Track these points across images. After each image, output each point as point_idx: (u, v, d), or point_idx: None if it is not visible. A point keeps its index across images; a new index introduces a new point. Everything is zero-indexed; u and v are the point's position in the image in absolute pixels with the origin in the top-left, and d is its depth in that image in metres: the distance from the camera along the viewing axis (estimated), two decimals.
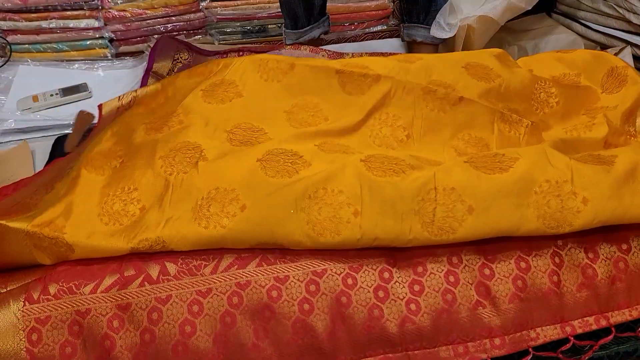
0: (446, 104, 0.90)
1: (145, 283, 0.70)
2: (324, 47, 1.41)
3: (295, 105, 0.91)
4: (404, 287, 0.73)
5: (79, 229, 0.72)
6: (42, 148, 1.20)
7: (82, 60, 1.52)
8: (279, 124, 0.88)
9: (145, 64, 1.40)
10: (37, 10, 1.47)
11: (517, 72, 0.98)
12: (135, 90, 1.03)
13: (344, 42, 1.65)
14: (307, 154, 0.78)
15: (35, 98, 1.32)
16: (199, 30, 1.62)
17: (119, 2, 1.51)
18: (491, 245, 0.75)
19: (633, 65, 1.31)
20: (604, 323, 0.75)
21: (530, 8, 1.34)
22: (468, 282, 0.73)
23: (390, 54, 1.31)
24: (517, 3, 1.29)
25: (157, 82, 1.01)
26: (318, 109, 0.91)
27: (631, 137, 0.99)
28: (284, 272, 0.72)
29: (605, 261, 0.75)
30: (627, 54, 1.32)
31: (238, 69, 0.95)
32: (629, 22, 1.34)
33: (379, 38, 1.67)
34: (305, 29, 1.36)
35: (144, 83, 1.32)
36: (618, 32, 1.38)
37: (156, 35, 1.51)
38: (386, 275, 0.73)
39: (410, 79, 0.91)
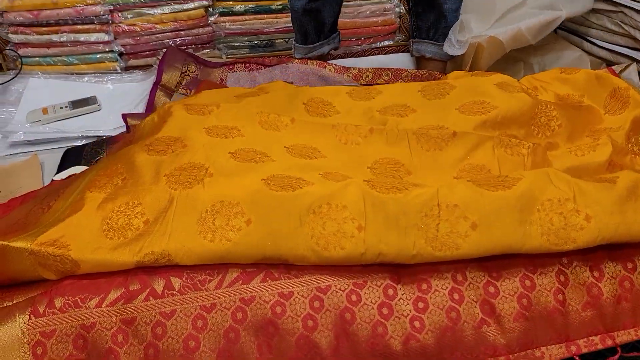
0: (441, 142, 0.91)
1: (150, 297, 0.71)
2: (330, 62, 1.43)
3: (296, 144, 0.93)
4: (408, 304, 0.73)
5: (84, 246, 0.73)
6: (51, 160, 1.22)
7: (91, 73, 1.54)
8: (281, 153, 0.89)
9: (153, 77, 1.41)
10: (48, 24, 1.50)
11: (516, 98, 0.98)
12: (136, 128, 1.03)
13: (350, 57, 1.67)
14: (310, 178, 0.79)
15: (45, 110, 1.33)
16: (207, 45, 1.64)
17: (129, 16, 1.54)
18: (496, 263, 0.75)
19: (638, 81, 1.31)
20: (609, 342, 0.74)
21: (534, 43, 1.35)
22: (472, 299, 0.73)
23: (397, 70, 1.32)
24: (525, 34, 1.31)
25: (155, 114, 1.01)
26: (317, 150, 0.92)
27: (636, 156, 0.99)
28: (288, 287, 0.73)
29: (611, 280, 0.75)
30: (633, 70, 1.32)
31: (237, 117, 0.97)
32: (634, 39, 1.34)
33: (386, 53, 1.68)
34: (315, 44, 1.37)
35: (152, 96, 1.34)
36: (624, 48, 1.39)
37: (165, 49, 1.52)
38: (390, 292, 0.73)
39: (403, 127, 0.93)
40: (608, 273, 0.75)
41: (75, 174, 1.05)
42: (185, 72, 1.42)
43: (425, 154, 0.91)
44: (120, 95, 1.45)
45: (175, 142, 0.88)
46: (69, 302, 0.70)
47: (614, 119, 1.06)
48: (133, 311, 0.70)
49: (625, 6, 1.35)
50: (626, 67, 1.32)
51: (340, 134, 0.95)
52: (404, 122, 0.95)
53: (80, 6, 1.48)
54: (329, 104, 1.04)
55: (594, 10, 1.44)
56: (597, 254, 0.76)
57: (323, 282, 0.73)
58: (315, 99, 1.04)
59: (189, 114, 0.96)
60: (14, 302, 0.72)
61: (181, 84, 1.39)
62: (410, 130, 0.93)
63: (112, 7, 1.51)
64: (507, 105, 0.96)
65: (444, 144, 0.91)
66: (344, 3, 1.61)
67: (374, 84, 1.32)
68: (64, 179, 1.05)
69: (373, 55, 1.68)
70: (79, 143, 1.27)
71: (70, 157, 1.19)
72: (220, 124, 0.94)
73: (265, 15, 1.62)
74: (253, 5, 1.60)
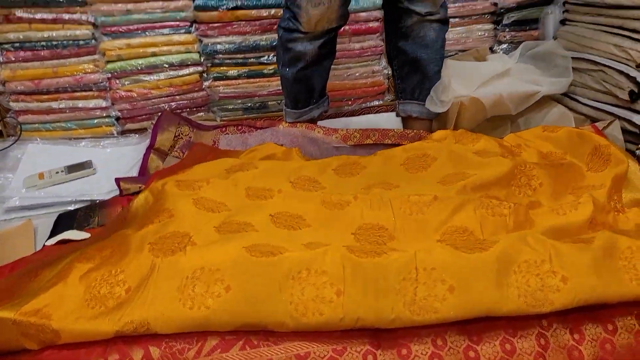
0: (423, 206, 0.92)
1: None
2: (321, 122, 1.47)
3: (281, 212, 0.95)
4: None
5: (66, 315, 0.73)
6: (45, 224, 1.24)
7: (89, 137, 1.58)
8: (265, 223, 0.91)
9: (148, 141, 1.45)
10: (48, 92, 1.56)
11: (494, 164, 1.01)
12: (130, 207, 1.05)
13: (341, 117, 1.71)
14: (292, 247, 0.80)
15: (41, 175, 1.36)
16: (202, 108, 1.70)
17: (126, 83, 1.60)
18: (475, 326, 0.75)
19: (622, 138, 1.34)
20: None
21: (514, 113, 1.40)
22: None
23: (384, 130, 1.35)
24: (507, 101, 1.36)
25: (148, 192, 1.04)
26: (302, 218, 0.94)
27: (618, 213, 1.00)
28: (267, 355, 0.72)
29: (592, 342, 0.74)
30: (616, 127, 1.35)
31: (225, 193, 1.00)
32: (615, 96, 1.38)
33: (376, 112, 1.73)
34: (305, 109, 1.41)
35: (145, 159, 1.37)
36: (606, 105, 1.42)
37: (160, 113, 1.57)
38: (370, 358, 0.73)
39: (387, 196, 0.96)
40: (589, 335, 0.75)
41: (66, 239, 1.06)
42: (179, 135, 1.45)
43: (408, 217, 0.92)
44: (115, 159, 1.49)
45: (163, 212, 0.90)
46: None
47: (596, 176, 1.07)
48: None
49: (606, 66, 1.40)
50: (609, 123, 1.35)
51: (325, 198, 0.97)
52: (388, 193, 0.98)
53: (79, 74, 1.54)
54: (315, 181, 1.07)
55: (576, 70, 1.49)
56: (576, 315, 0.76)
57: (302, 348, 0.73)
58: (302, 177, 1.07)
59: (180, 190, 0.99)
60: None
61: (174, 147, 1.43)
62: (392, 196, 0.95)
63: (110, 75, 1.57)
64: (486, 172, 0.99)
65: (426, 208, 0.92)
66: (333, 66, 1.67)
67: (361, 144, 1.34)
68: (54, 245, 1.06)
69: (363, 115, 1.73)
70: (73, 207, 1.29)
71: (63, 222, 1.21)
72: (209, 197, 0.97)
73: (257, 79, 1.68)
74: (246, 70, 1.66)
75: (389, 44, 1.37)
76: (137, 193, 1.22)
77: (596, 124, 1.35)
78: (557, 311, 0.74)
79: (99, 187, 1.36)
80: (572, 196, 1.03)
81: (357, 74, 1.70)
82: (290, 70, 1.31)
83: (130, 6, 1.53)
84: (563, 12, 1.62)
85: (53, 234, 1.18)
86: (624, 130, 1.34)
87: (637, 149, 1.28)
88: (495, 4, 1.69)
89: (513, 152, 1.14)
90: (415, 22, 1.27)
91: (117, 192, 1.30)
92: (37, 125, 1.57)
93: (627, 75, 1.33)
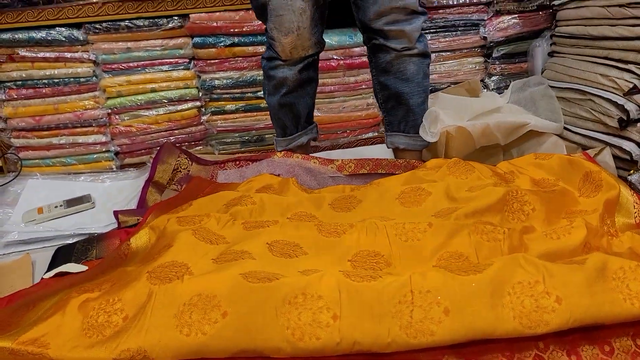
0: (418, 233, 0.94)
1: None
2: (317, 154, 1.49)
3: (278, 241, 0.96)
4: None
5: (63, 344, 0.73)
6: (43, 258, 1.24)
7: (88, 172, 1.60)
8: (262, 252, 0.92)
9: (147, 174, 1.47)
10: (48, 128, 1.58)
11: (485, 193, 1.03)
12: (129, 243, 1.07)
13: (337, 149, 1.74)
14: (288, 274, 0.81)
15: (40, 210, 1.38)
16: (200, 142, 1.72)
17: (125, 118, 1.63)
18: (472, 349, 0.75)
19: (614, 165, 1.36)
20: None
21: (503, 143, 1.42)
22: None
23: (378, 160, 1.37)
24: (494, 131, 1.39)
25: (151, 231, 1.05)
26: (298, 246, 0.95)
27: (612, 237, 1.01)
28: None
29: None
30: (607, 154, 1.36)
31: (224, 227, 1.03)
32: (605, 124, 1.40)
33: (371, 144, 1.76)
34: (293, 135, 1.44)
35: (143, 192, 1.39)
36: (596, 133, 1.45)
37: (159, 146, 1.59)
38: None
39: (382, 224, 0.98)
40: (586, 357, 0.75)
41: (64, 272, 1.07)
42: (178, 168, 1.47)
43: (404, 244, 0.93)
44: (114, 193, 1.50)
45: (163, 248, 0.92)
46: None
47: (588, 201, 1.09)
48: None
49: (594, 95, 1.44)
50: (600, 151, 1.37)
51: (322, 227, 0.99)
52: (383, 222, 0.99)
53: (80, 111, 1.58)
54: (312, 216, 1.08)
55: (565, 99, 1.53)
56: (573, 336, 0.76)
57: None
58: (299, 213, 1.09)
59: (181, 225, 1.01)
60: None
61: (173, 180, 1.44)
62: (388, 225, 0.96)
63: (109, 111, 1.60)
64: (479, 202, 1.01)
65: (421, 235, 0.94)
66: (329, 99, 1.71)
67: (356, 174, 1.37)
68: (52, 278, 1.07)
69: (358, 146, 1.75)
70: (71, 241, 1.30)
71: (61, 255, 1.21)
72: (209, 228, 0.99)
73: (255, 113, 1.72)
74: (243, 105, 1.69)
75: (373, 78, 1.41)
76: (135, 225, 1.24)
77: (587, 151, 1.37)
78: (554, 333, 0.74)
79: (97, 220, 1.37)
80: (566, 221, 1.04)
81: (353, 107, 1.73)
82: (275, 97, 1.36)
83: (130, 44, 1.57)
84: (550, 44, 1.67)
85: (51, 267, 1.19)
86: (615, 157, 1.36)
87: (629, 175, 1.30)
88: (485, 38, 1.74)
89: (506, 179, 1.16)
90: (393, 58, 1.29)
91: (116, 225, 1.31)
92: (37, 160, 1.59)
93: (615, 104, 1.36)
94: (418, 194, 1.09)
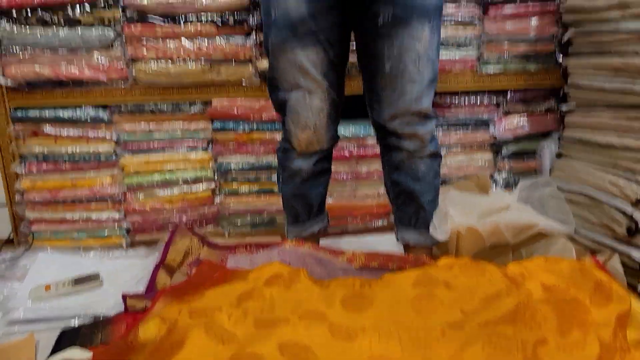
0: (431, 341, 0.94)
1: None
2: (325, 244, 1.50)
3: (289, 342, 0.96)
4: None
5: None
6: (47, 339, 1.22)
7: (98, 248, 1.61)
8: (274, 355, 0.92)
9: (157, 254, 1.47)
10: (64, 203, 1.60)
11: (499, 303, 1.04)
12: (137, 333, 1.06)
13: (347, 235, 1.75)
14: None
15: (47, 287, 1.37)
16: (211, 222, 1.74)
17: (140, 196, 1.65)
18: None
19: (622, 272, 1.36)
20: None
21: (512, 242, 1.44)
22: None
23: (388, 255, 1.38)
24: (503, 230, 1.41)
25: (161, 322, 1.06)
26: (309, 349, 0.95)
27: (626, 353, 1.00)
28: None
29: None
30: (617, 261, 1.37)
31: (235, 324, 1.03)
32: (613, 230, 1.42)
33: (381, 232, 1.77)
34: (305, 224, 1.47)
35: (153, 277, 1.38)
36: (605, 238, 1.46)
37: (172, 226, 1.61)
38: None
39: (392, 330, 0.98)
40: None
41: (68, 359, 1.05)
42: (189, 251, 1.48)
43: (416, 352, 0.93)
44: (123, 271, 1.50)
45: (174, 346, 0.91)
46: None
47: (599, 312, 1.09)
48: None
49: (602, 202, 1.46)
50: (609, 257, 1.38)
51: (334, 328, 0.98)
52: (397, 326, 0.99)
53: (96, 187, 1.60)
54: (323, 315, 1.08)
55: (574, 202, 1.54)
56: None
57: None
58: (311, 312, 1.09)
59: (192, 319, 1.01)
60: None
61: (183, 262, 1.45)
62: (401, 329, 0.96)
63: (126, 188, 1.63)
64: (492, 312, 1.02)
65: (435, 343, 0.93)
66: (340, 187, 1.74)
67: (367, 267, 1.37)
68: None
69: (368, 234, 1.77)
70: (77, 321, 1.29)
71: (66, 338, 1.20)
72: (220, 323, 1.00)
73: (268, 196, 1.74)
74: (257, 188, 1.72)
75: (384, 174, 1.45)
76: (143, 311, 1.23)
77: (596, 255, 1.38)
78: None
79: (105, 301, 1.36)
80: (578, 332, 1.03)
81: (364, 195, 1.76)
82: (289, 186, 1.40)
83: (152, 126, 1.62)
84: (559, 147, 1.71)
85: (55, 350, 1.17)
86: (624, 265, 1.36)
87: (639, 284, 1.30)
88: (494, 137, 1.80)
89: (517, 283, 1.16)
90: (406, 158, 1.33)
91: (122, 308, 1.30)
92: (48, 234, 1.60)
93: (623, 212, 1.38)
94: (431, 300, 1.09)
